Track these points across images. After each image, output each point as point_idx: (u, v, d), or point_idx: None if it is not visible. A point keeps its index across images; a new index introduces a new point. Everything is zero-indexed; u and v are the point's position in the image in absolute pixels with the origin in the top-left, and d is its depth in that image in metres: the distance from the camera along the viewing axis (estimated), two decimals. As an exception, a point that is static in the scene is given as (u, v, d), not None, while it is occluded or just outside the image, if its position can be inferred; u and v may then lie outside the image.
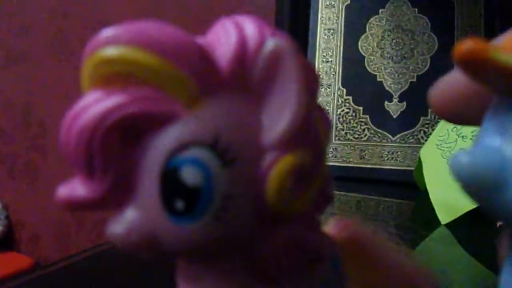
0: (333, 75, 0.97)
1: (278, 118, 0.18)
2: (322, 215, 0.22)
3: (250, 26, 0.19)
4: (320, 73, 0.94)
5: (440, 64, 0.93)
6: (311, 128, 0.19)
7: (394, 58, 0.96)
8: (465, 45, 0.14)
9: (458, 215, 0.60)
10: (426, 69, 0.95)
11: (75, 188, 0.18)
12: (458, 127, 0.70)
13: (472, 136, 0.68)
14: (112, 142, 0.17)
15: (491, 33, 0.91)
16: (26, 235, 1.38)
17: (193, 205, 0.17)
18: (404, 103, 0.93)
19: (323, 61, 0.99)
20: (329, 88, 0.95)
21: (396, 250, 0.27)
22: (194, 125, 0.17)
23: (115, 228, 0.18)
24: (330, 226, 0.24)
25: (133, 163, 0.18)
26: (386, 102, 0.97)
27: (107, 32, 0.17)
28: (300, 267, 0.21)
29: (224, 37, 0.19)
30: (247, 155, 0.18)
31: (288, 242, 0.20)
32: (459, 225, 0.59)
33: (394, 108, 0.94)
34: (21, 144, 1.35)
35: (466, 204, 0.57)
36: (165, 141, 0.17)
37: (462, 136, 0.69)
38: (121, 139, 0.17)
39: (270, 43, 0.18)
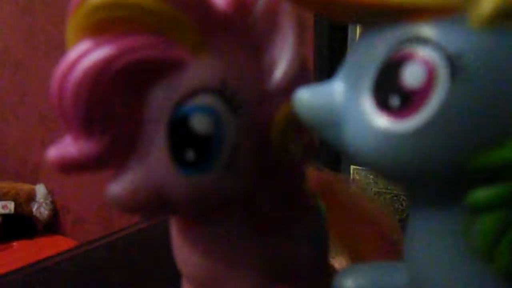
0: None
1: (277, 64, 0.18)
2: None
3: None
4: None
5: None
6: (305, 75, 0.19)
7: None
8: None
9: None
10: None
11: (68, 147, 0.16)
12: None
13: None
14: (114, 94, 0.16)
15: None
16: (70, 219, 1.40)
17: (204, 154, 0.16)
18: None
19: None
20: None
21: (367, 200, 0.28)
22: (201, 71, 0.16)
23: (119, 188, 0.16)
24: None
25: (135, 116, 0.16)
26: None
27: None
28: (293, 218, 0.21)
29: None
30: (251, 100, 0.18)
31: (283, 193, 0.20)
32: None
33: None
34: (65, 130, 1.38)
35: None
36: (172, 89, 0.16)
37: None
38: (123, 90, 0.16)
39: None
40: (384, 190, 0.66)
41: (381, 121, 0.14)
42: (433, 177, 0.14)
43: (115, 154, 0.16)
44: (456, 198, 0.14)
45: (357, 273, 0.18)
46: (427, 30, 0.13)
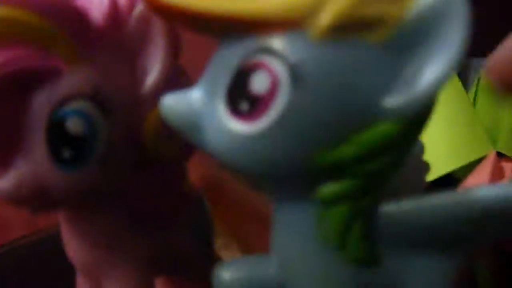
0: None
1: (149, 72, 0.20)
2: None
3: None
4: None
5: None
6: (176, 82, 0.21)
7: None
8: None
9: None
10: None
11: None
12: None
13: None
14: None
15: None
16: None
17: (79, 152, 0.19)
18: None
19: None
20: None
21: (256, 196, 0.30)
22: (76, 79, 0.19)
23: (4, 183, 0.18)
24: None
25: (18, 119, 0.18)
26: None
27: None
28: (173, 210, 0.24)
29: (96, 0, 0.20)
30: (124, 105, 0.20)
31: (161, 187, 0.22)
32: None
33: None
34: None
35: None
36: (49, 95, 0.18)
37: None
38: (5, 96, 0.18)
39: (140, 6, 0.20)
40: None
41: (233, 124, 0.15)
42: (284, 173, 0.15)
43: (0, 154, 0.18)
44: (310, 193, 0.15)
45: (235, 266, 0.19)
46: (273, 42, 0.14)
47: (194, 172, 0.27)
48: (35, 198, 0.19)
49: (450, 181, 0.38)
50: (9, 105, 0.18)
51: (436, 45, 0.14)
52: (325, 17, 0.14)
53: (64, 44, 0.18)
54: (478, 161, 0.38)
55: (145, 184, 0.22)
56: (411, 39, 0.14)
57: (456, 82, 0.40)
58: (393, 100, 0.14)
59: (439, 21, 0.14)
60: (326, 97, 0.14)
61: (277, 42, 0.14)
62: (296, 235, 0.17)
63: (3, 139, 0.18)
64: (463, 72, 0.44)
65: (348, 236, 0.15)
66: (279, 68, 0.14)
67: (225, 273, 0.19)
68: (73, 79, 0.19)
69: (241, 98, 0.15)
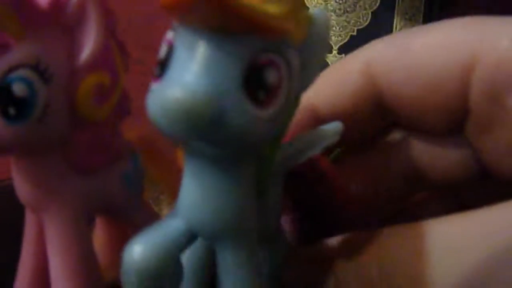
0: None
1: (84, 48, 0.26)
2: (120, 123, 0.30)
3: None
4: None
5: (381, 19, 0.97)
6: (108, 56, 0.26)
7: (337, 11, 1.00)
8: None
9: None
10: (367, 23, 0.99)
11: None
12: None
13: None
14: None
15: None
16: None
17: (22, 111, 0.24)
18: (343, 55, 0.98)
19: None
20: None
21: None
22: (22, 52, 0.24)
23: None
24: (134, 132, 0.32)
25: None
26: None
27: None
28: (106, 163, 0.29)
29: None
30: (62, 74, 0.25)
31: (94, 142, 0.27)
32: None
33: (332, 59, 0.99)
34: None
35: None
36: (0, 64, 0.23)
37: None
38: None
39: None
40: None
41: (253, 110, 0.16)
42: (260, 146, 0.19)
43: None
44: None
45: (144, 237, 0.19)
46: (278, 45, 0.17)
47: (132, 132, 0.32)
48: None
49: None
50: None
51: None
52: (299, 32, 0.18)
53: (14, 23, 0.23)
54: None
55: (80, 140, 0.27)
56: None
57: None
58: None
59: None
60: (298, 85, 0.19)
61: (281, 45, 0.18)
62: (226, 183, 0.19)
63: None
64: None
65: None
66: (283, 65, 0.18)
67: (135, 247, 0.18)
68: (19, 52, 0.23)
69: (258, 88, 0.17)
